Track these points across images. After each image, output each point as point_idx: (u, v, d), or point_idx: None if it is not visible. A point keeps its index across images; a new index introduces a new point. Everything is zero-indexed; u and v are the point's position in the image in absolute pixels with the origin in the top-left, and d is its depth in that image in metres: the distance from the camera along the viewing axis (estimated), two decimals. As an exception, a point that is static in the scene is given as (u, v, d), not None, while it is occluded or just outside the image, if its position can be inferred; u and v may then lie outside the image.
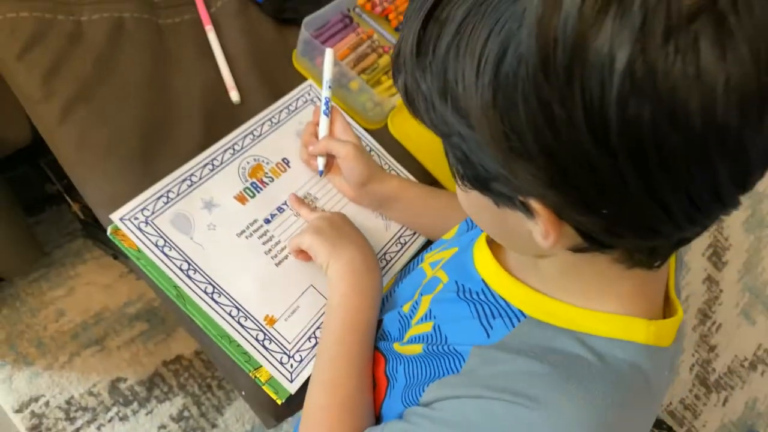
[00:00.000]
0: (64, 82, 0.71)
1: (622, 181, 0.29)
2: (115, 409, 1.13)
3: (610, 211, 0.31)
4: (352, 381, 0.59)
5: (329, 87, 0.75)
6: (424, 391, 0.49)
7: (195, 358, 1.19)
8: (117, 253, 1.07)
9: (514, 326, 0.46)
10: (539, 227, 0.36)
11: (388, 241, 0.76)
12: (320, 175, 0.75)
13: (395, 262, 0.75)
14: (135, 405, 1.14)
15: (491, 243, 0.53)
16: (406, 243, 0.77)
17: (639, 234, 0.34)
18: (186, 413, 1.16)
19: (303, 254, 0.69)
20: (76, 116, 0.70)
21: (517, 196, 0.36)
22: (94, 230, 1.09)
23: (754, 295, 1.77)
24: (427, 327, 0.55)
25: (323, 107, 0.73)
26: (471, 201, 0.43)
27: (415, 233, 0.78)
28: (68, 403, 1.11)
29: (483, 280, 0.51)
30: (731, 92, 0.27)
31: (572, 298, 0.44)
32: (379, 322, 0.65)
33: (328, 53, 0.76)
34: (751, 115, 0.28)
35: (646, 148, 0.28)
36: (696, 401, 1.60)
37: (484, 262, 0.52)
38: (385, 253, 0.75)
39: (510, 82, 0.29)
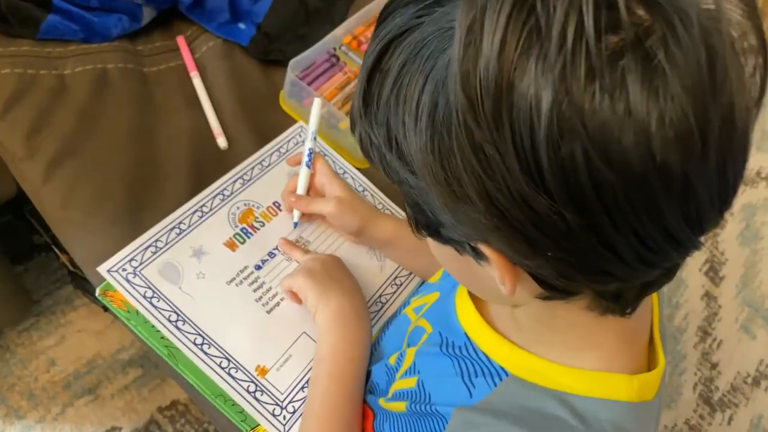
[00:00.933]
0: (47, 139, 0.71)
1: (563, 221, 0.28)
2: (110, 460, 1.10)
3: (555, 253, 0.30)
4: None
5: (314, 138, 0.73)
6: None
7: (191, 403, 1.17)
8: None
9: (495, 385, 0.45)
10: (496, 274, 0.35)
11: (384, 282, 0.75)
12: (294, 227, 0.73)
13: (390, 304, 0.74)
14: (130, 454, 1.12)
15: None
16: (401, 284, 0.76)
17: (592, 278, 0.33)
18: (183, 461, 1.14)
19: (295, 295, 0.68)
20: (62, 173, 0.70)
21: (466, 241, 0.36)
22: (83, 282, 1.07)
23: (753, 308, 1.76)
24: (410, 382, 0.53)
25: (305, 158, 0.72)
26: (438, 250, 0.42)
27: (410, 274, 0.77)
28: (62, 456, 1.09)
29: (465, 334, 0.50)
30: (667, 129, 0.26)
31: (552, 352, 0.43)
32: (369, 373, 0.63)
33: (316, 103, 0.74)
34: (693, 153, 0.27)
35: (583, 188, 0.27)
36: (701, 421, 1.58)
37: (466, 313, 0.50)
38: (380, 295, 0.74)
39: (445, 129, 0.30)
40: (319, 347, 0.62)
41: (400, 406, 0.52)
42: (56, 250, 1.03)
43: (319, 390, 0.60)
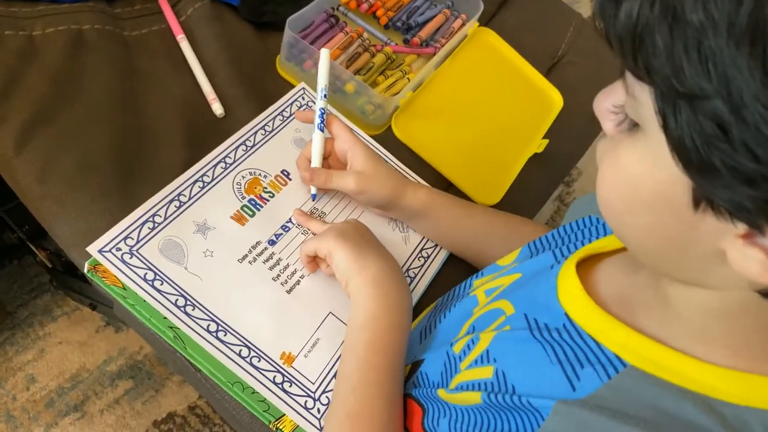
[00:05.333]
0: (18, 105, 0.61)
1: None
2: (102, 483, 0.99)
3: None
4: (382, 412, 0.48)
5: (324, 96, 0.64)
6: None
7: (189, 414, 1.06)
8: (96, 302, 0.94)
9: (609, 377, 0.36)
10: (759, 257, 0.27)
11: (410, 255, 0.67)
12: (313, 200, 0.65)
13: (420, 278, 0.66)
14: (125, 475, 1.01)
15: (582, 268, 0.43)
16: (429, 257, 0.68)
17: None
18: (184, 478, 1.03)
19: (314, 263, 0.59)
20: (37, 143, 0.60)
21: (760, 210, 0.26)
22: (66, 279, 0.96)
23: None
24: (485, 372, 0.43)
25: (317, 121, 0.63)
26: (631, 182, 0.32)
27: (437, 245, 0.69)
28: (48, 482, 0.97)
29: (567, 315, 0.41)
30: None
31: (711, 349, 0.35)
32: (418, 364, 0.54)
33: (324, 54, 0.65)
34: None
35: None
36: None
37: (570, 292, 0.42)
38: (407, 269, 0.66)
39: None
40: (356, 316, 0.53)
41: (473, 398, 0.42)
42: (32, 247, 0.92)
43: (356, 362, 0.51)
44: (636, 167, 0.31)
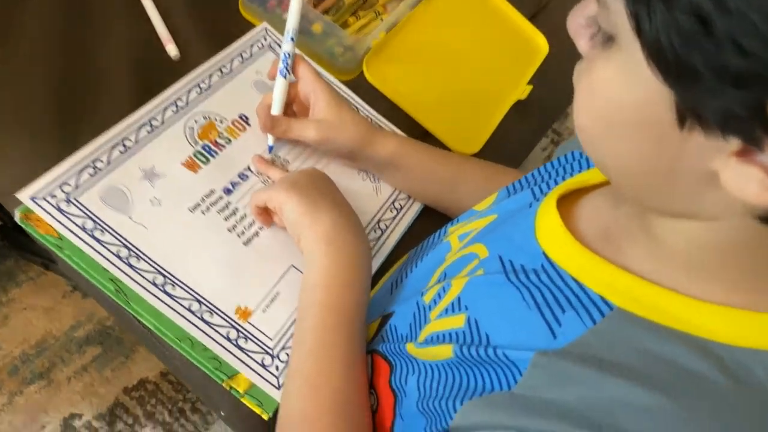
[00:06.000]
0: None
1: None
2: (71, 452, 0.95)
3: None
4: (341, 375, 0.44)
5: (292, 39, 0.58)
6: (456, 410, 0.34)
7: (162, 381, 1.03)
8: (47, 261, 0.89)
9: (594, 322, 0.32)
10: (757, 175, 0.23)
11: (381, 207, 0.63)
12: (269, 151, 0.60)
13: (392, 231, 0.62)
14: (95, 444, 0.97)
15: (562, 204, 0.39)
16: (402, 208, 0.64)
17: None
18: (157, 446, 1.00)
19: (266, 215, 0.54)
20: (-34, 82, 0.54)
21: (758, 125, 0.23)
22: (17, 237, 0.91)
23: None
24: (456, 321, 0.39)
25: (281, 65, 0.57)
26: (608, 104, 0.28)
27: (410, 196, 0.64)
28: (13, 451, 0.94)
29: (545, 254, 0.36)
30: None
31: (706, 285, 0.31)
32: (387, 317, 0.50)
33: None
34: None
35: None
36: None
37: (549, 229, 0.37)
38: (378, 221, 0.61)
39: None
40: (309, 274, 0.48)
41: (443, 352, 0.38)
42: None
43: (311, 324, 0.46)
44: (613, 87, 0.28)
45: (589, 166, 0.45)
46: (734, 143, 0.24)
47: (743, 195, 0.24)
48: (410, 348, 0.42)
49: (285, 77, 0.57)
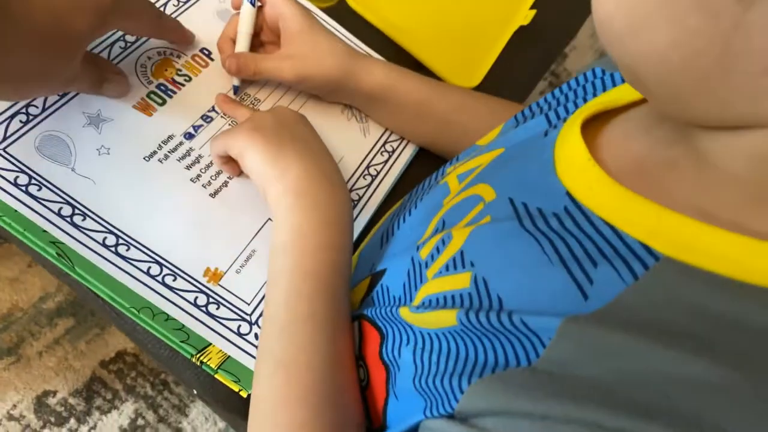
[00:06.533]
0: None
1: None
2: None
3: None
4: (320, 356, 0.37)
5: None
6: (463, 391, 0.27)
7: (142, 353, 0.96)
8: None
9: (636, 277, 0.25)
10: None
11: (370, 150, 0.55)
12: (234, 93, 0.52)
13: (383, 177, 0.54)
14: (72, 422, 0.91)
15: (588, 130, 0.31)
16: (394, 150, 0.56)
17: None
18: (140, 421, 0.94)
19: (232, 163, 0.47)
20: None
21: None
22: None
23: None
24: (459, 281, 0.32)
25: None
26: None
27: (403, 137, 0.57)
28: (-17, 433, 0.87)
29: (569, 194, 0.29)
30: None
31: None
32: (377, 276, 0.42)
33: None
34: None
35: None
36: None
37: (574, 162, 0.30)
38: (368, 167, 0.54)
39: None
40: (277, 235, 0.40)
41: (445, 318, 0.31)
42: None
43: (282, 295, 0.38)
44: None
45: (614, 84, 0.37)
46: None
47: None
48: (404, 313, 0.35)
49: (253, 4, 0.49)
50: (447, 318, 0.31)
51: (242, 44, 0.50)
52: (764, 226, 0.24)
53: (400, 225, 0.44)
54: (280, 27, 0.50)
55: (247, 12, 0.50)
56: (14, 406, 0.89)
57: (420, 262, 0.37)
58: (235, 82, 0.51)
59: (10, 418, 0.89)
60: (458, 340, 0.30)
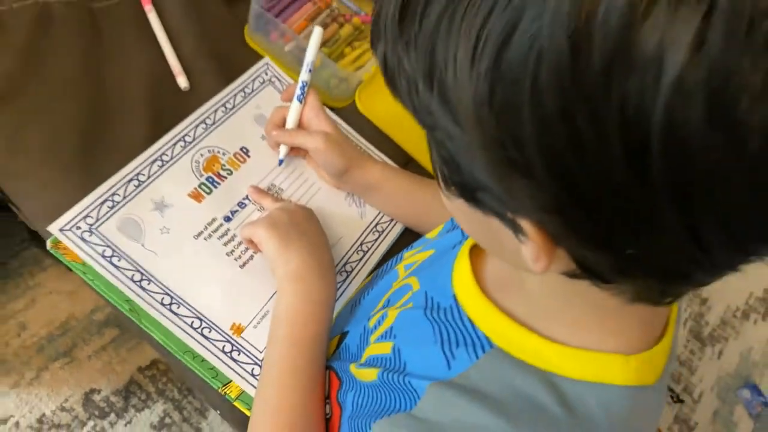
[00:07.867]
0: (-15, 81, 0.63)
1: (659, 217, 0.23)
2: (91, 423, 1.07)
3: (635, 250, 0.24)
4: (296, 404, 0.51)
5: (310, 70, 0.67)
6: (370, 428, 0.41)
7: (173, 361, 1.14)
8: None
9: (477, 357, 0.38)
10: (529, 250, 0.29)
11: (365, 230, 0.70)
12: (280, 165, 0.68)
13: (373, 252, 0.69)
14: (112, 416, 1.08)
15: (475, 251, 0.45)
16: (383, 231, 0.71)
17: (662, 278, 0.27)
18: (167, 420, 1.11)
19: (255, 245, 0.62)
20: (3, 119, 0.62)
21: (506, 212, 0.28)
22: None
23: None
24: (386, 347, 0.47)
25: (298, 91, 0.66)
26: (460, 210, 0.34)
27: (392, 220, 0.72)
28: (40, 421, 1.05)
29: (455, 296, 0.43)
30: None
31: (554, 326, 0.37)
32: (344, 335, 0.57)
33: (316, 32, 0.68)
34: None
35: (702, 182, 0.21)
36: (691, 356, 1.58)
37: (461, 274, 0.44)
38: (361, 243, 0.69)
39: (514, 75, 0.22)
40: (277, 308, 0.56)
41: (371, 375, 0.46)
42: (13, 207, 0.96)
43: (276, 354, 0.54)
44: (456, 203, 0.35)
45: None
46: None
47: (530, 265, 0.29)
48: (352, 368, 0.49)
49: (300, 102, 0.66)
50: (372, 374, 0.45)
51: (291, 124, 0.66)
52: (547, 330, 0.37)
53: (365, 297, 0.59)
54: (314, 123, 0.66)
55: (296, 105, 0.66)
56: (66, 400, 1.07)
57: (368, 329, 0.52)
58: (282, 155, 0.67)
59: (62, 409, 1.07)
60: (375, 391, 0.44)
